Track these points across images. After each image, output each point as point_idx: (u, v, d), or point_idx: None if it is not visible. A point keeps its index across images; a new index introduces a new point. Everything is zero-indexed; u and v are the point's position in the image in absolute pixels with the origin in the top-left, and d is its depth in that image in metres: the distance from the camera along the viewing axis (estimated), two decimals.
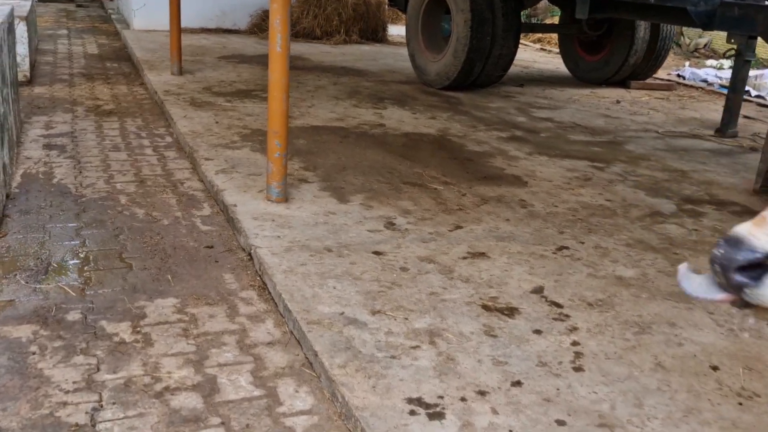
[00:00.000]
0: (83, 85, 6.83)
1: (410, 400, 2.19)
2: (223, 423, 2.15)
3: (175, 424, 2.13)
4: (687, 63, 10.94)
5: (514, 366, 2.41)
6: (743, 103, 6.68)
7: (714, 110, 7.50)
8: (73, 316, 2.70)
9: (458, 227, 3.64)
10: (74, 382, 2.29)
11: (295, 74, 7.34)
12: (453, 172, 4.56)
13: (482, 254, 3.32)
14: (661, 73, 9.15)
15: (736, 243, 1.08)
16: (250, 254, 3.28)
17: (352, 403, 2.15)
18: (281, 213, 3.63)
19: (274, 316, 2.80)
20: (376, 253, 3.24)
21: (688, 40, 12.08)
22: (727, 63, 10.55)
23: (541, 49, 11.90)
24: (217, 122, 5.37)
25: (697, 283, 1.15)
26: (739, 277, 1.08)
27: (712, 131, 6.40)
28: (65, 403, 2.18)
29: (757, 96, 8.46)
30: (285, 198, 3.78)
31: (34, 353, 2.43)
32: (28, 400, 2.19)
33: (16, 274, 2.99)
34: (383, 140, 5.24)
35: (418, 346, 2.49)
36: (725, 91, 8.26)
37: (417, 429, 2.06)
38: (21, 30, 6.19)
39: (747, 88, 7.57)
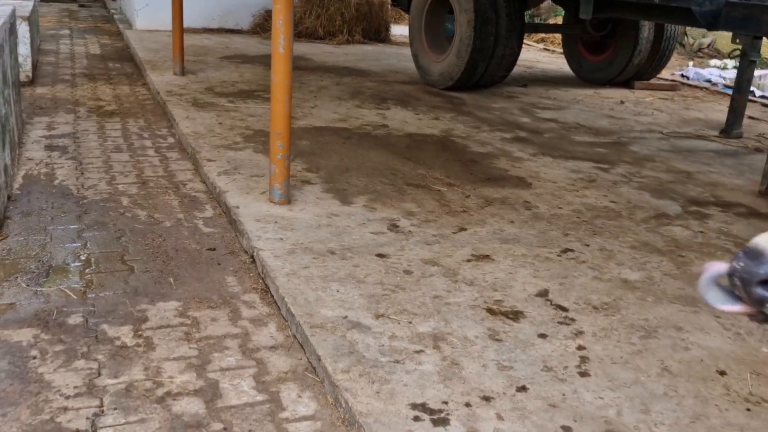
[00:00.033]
0: (85, 85, 6.82)
1: (414, 406, 2.16)
2: (225, 429, 2.12)
3: (176, 430, 2.10)
4: (691, 63, 10.90)
5: (520, 371, 2.38)
6: (748, 104, 6.65)
7: (718, 110, 7.47)
8: (75, 319, 2.68)
9: (462, 229, 3.61)
10: (75, 387, 2.27)
11: (298, 74, 7.32)
12: (457, 174, 4.54)
13: (486, 257, 3.29)
14: (664, 73, 9.11)
15: (757, 256, 1.05)
16: (252, 257, 3.25)
17: (355, 409, 2.13)
18: (284, 215, 3.61)
19: (277, 320, 2.77)
20: (380, 255, 3.22)
21: (691, 40, 12.04)
22: (731, 63, 10.52)
23: (545, 49, 11.87)
24: (219, 123, 5.35)
25: (717, 293, 1.12)
26: (761, 291, 1.05)
27: (716, 132, 6.37)
28: (66, 409, 2.16)
29: (762, 96, 8.42)
30: (288, 200, 3.76)
31: (34, 357, 2.41)
32: (28, 406, 2.16)
33: (17, 277, 2.97)
34: (386, 141, 5.21)
35: (422, 351, 2.46)
36: (729, 92, 8.22)
37: None
38: (23, 30, 6.17)
39: (751, 88, 7.53)
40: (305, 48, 9.62)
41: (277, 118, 3.63)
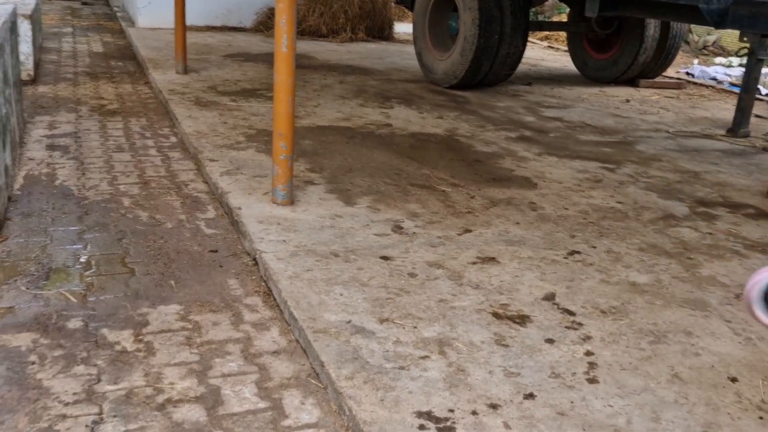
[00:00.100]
0: (87, 84, 6.78)
1: (420, 414, 2.12)
2: None
3: None
4: (696, 61, 10.83)
5: (527, 377, 2.34)
6: (755, 102, 6.59)
7: (725, 109, 7.40)
8: (74, 323, 2.64)
9: (467, 231, 3.57)
10: (74, 394, 2.23)
11: (301, 73, 7.28)
12: (461, 174, 4.49)
13: (492, 259, 3.25)
14: (669, 72, 9.05)
15: None
16: (255, 259, 3.21)
17: (359, 417, 2.08)
18: (287, 216, 3.56)
19: (280, 324, 2.73)
20: (384, 258, 3.18)
21: (696, 38, 11.96)
22: (737, 60, 10.44)
23: (549, 47, 11.80)
24: (222, 122, 5.31)
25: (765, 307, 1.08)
26: None
27: (723, 131, 6.31)
28: (65, 416, 2.12)
29: None
30: (291, 201, 3.72)
31: (33, 363, 2.37)
32: (26, 413, 2.12)
33: (16, 280, 2.93)
34: (390, 141, 5.16)
35: (427, 357, 2.42)
36: (735, 90, 8.17)
37: None
38: (25, 28, 6.13)
39: (759, 86, 7.46)
40: (308, 46, 9.57)
41: (280, 119, 3.58)
